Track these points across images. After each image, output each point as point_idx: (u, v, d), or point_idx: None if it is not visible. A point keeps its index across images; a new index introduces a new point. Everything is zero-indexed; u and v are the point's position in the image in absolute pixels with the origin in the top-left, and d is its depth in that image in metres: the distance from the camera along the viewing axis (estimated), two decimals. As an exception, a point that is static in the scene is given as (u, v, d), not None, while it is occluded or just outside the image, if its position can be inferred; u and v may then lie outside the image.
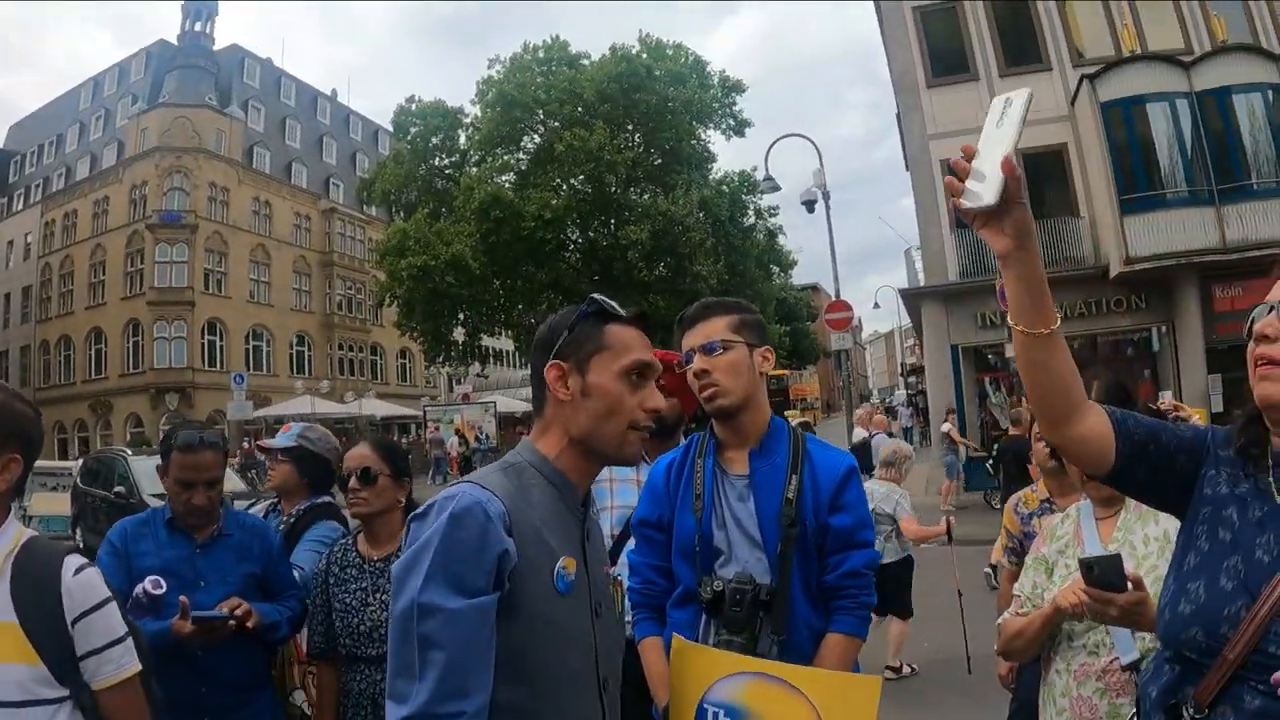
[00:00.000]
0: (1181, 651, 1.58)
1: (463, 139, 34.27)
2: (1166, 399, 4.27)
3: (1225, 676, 1.49)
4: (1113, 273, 18.34)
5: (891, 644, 7.16)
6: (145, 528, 2.99)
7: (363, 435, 3.32)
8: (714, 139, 35.85)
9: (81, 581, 1.90)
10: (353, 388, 44.62)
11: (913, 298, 22.15)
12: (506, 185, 31.68)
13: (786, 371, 48.30)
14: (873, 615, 2.75)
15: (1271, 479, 1.59)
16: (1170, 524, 2.24)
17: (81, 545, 10.93)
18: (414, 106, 33.93)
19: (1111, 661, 2.32)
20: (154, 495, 11.87)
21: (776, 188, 22.06)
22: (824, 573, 2.46)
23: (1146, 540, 2.39)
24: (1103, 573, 1.90)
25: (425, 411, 38.05)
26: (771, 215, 37.11)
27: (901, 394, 48.69)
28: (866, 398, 79.21)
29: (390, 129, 38.46)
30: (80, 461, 17.12)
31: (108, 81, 48.93)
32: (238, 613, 2.73)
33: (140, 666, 1.99)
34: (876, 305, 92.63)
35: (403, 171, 33.64)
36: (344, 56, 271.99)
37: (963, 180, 1.55)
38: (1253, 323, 1.60)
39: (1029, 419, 7.41)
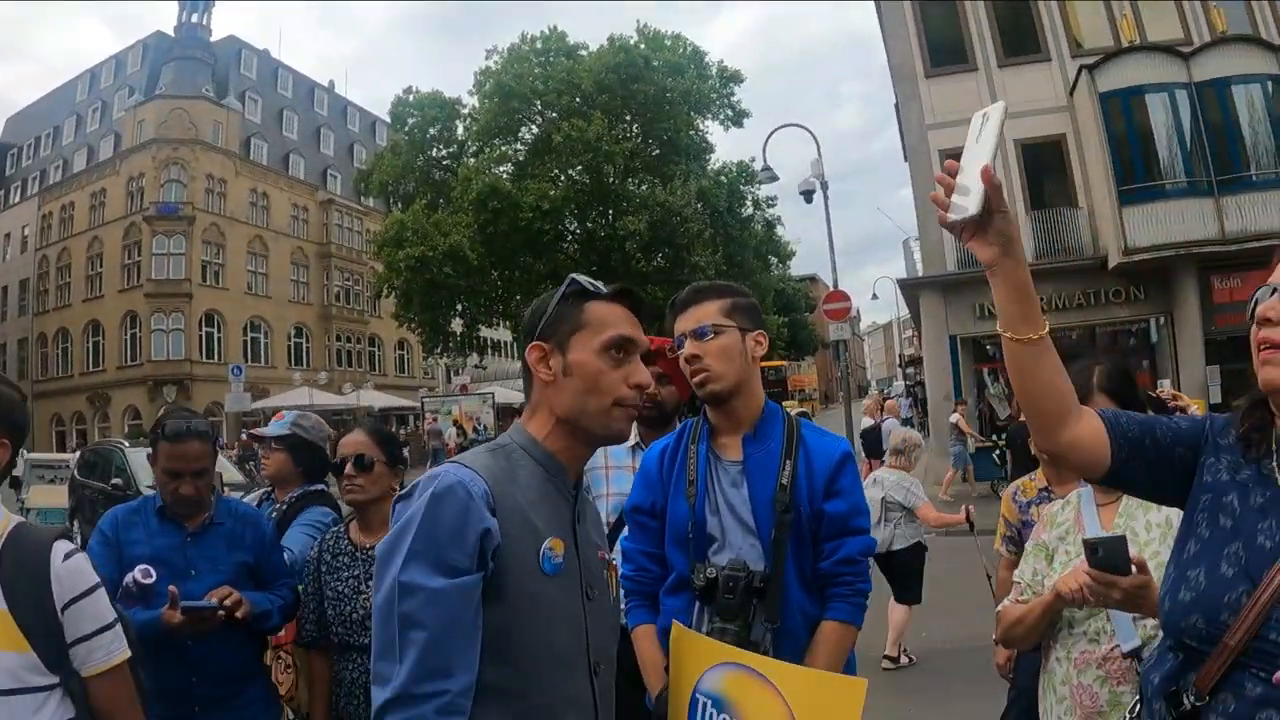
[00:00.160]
0: (1183, 639, 1.57)
1: (460, 130, 34.24)
2: (1165, 388, 4.27)
3: (1226, 663, 1.47)
4: (1111, 263, 18.34)
5: (892, 632, 7.16)
6: (136, 516, 2.97)
7: (359, 423, 3.29)
8: (712, 129, 36.00)
9: (70, 568, 1.88)
10: (351, 379, 44.57)
11: (911, 288, 22.15)
12: (504, 176, 31.69)
13: (785, 362, 48.38)
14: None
15: (1275, 464, 1.57)
16: (1173, 510, 2.22)
17: (78, 536, 10.93)
18: (411, 97, 33.89)
19: (1112, 649, 2.30)
20: (150, 487, 11.79)
21: (774, 178, 22.09)
22: (819, 559, 2.43)
23: (1149, 526, 2.38)
24: (1107, 554, 1.89)
25: (423, 403, 38.02)
26: (770, 206, 37.21)
27: (900, 385, 48.70)
28: (865, 389, 79.29)
29: (388, 120, 38.44)
30: (77, 454, 17.07)
31: (104, 73, 48.88)
32: (227, 602, 2.71)
33: (130, 653, 1.98)
34: (875, 296, 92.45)
35: (400, 162, 33.64)
36: (341, 48, 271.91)
37: (949, 196, 1.56)
38: (1255, 305, 1.58)
39: None
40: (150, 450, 2.99)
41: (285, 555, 3.19)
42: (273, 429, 3.76)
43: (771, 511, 2.38)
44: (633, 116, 32.48)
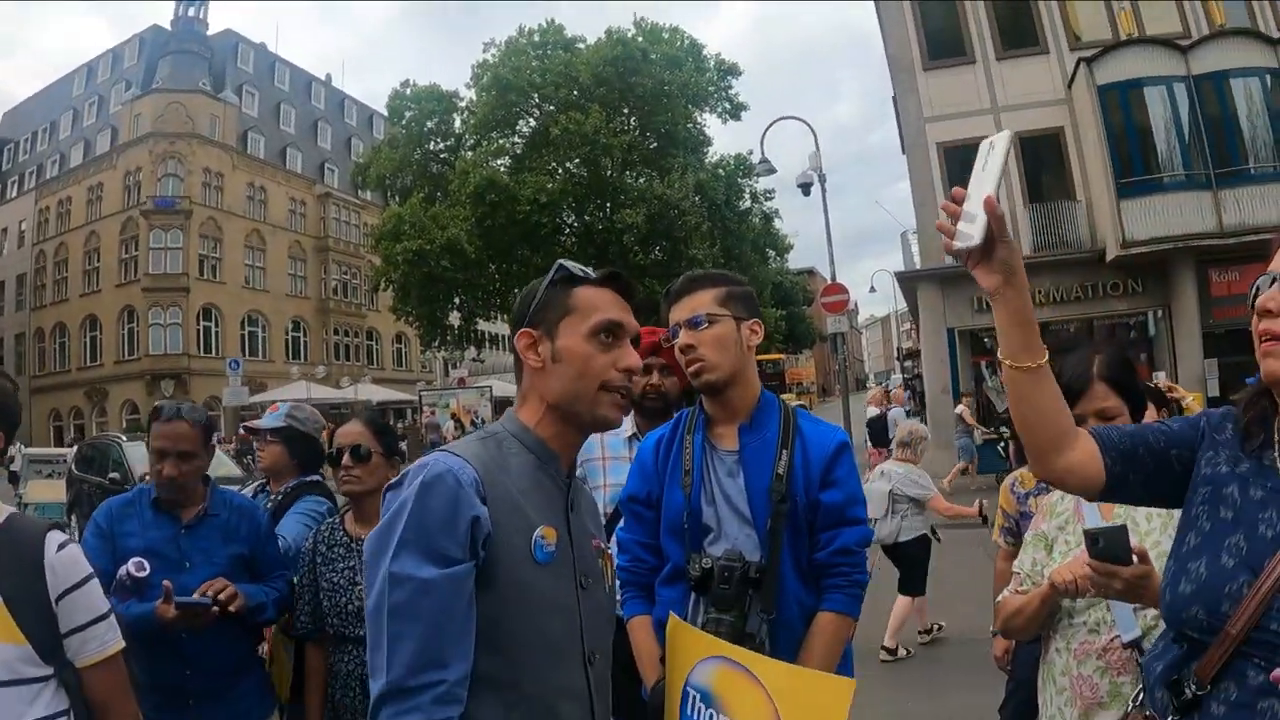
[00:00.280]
0: (1185, 631, 1.58)
1: (458, 123, 34.19)
2: (1161, 380, 4.27)
3: (1228, 652, 1.48)
4: (1109, 256, 18.35)
5: (893, 621, 7.20)
6: (131, 508, 2.96)
7: (355, 414, 3.28)
8: (709, 123, 35.87)
9: (64, 558, 1.87)
10: (348, 373, 44.58)
11: (909, 281, 22.16)
12: (502, 169, 31.66)
13: (783, 356, 48.39)
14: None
15: (1277, 455, 1.57)
16: None
17: (76, 530, 10.93)
18: (409, 91, 33.83)
19: (1112, 639, 2.29)
20: (145, 476, 11.84)
21: (772, 170, 22.08)
22: (815, 550, 2.41)
23: (1149, 516, 2.37)
24: (1108, 544, 1.89)
25: (421, 396, 38.02)
26: (767, 199, 37.16)
27: (897, 378, 48.68)
28: (863, 382, 79.39)
29: (385, 113, 38.40)
30: (75, 448, 17.08)
31: (101, 67, 48.76)
32: (220, 596, 2.69)
33: (124, 644, 1.97)
34: (873, 289, 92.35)
35: (398, 156, 33.58)
36: (338, 41, 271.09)
37: (955, 223, 1.58)
38: (1256, 293, 1.57)
39: None
40: (146, 440, 2.99)
41: (280, 543, 3.18)
42: (267, 421, 3.75)
43: (767, 501, 2.36)
44: (630, 109, 32.43)
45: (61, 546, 1.88)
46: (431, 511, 1.49)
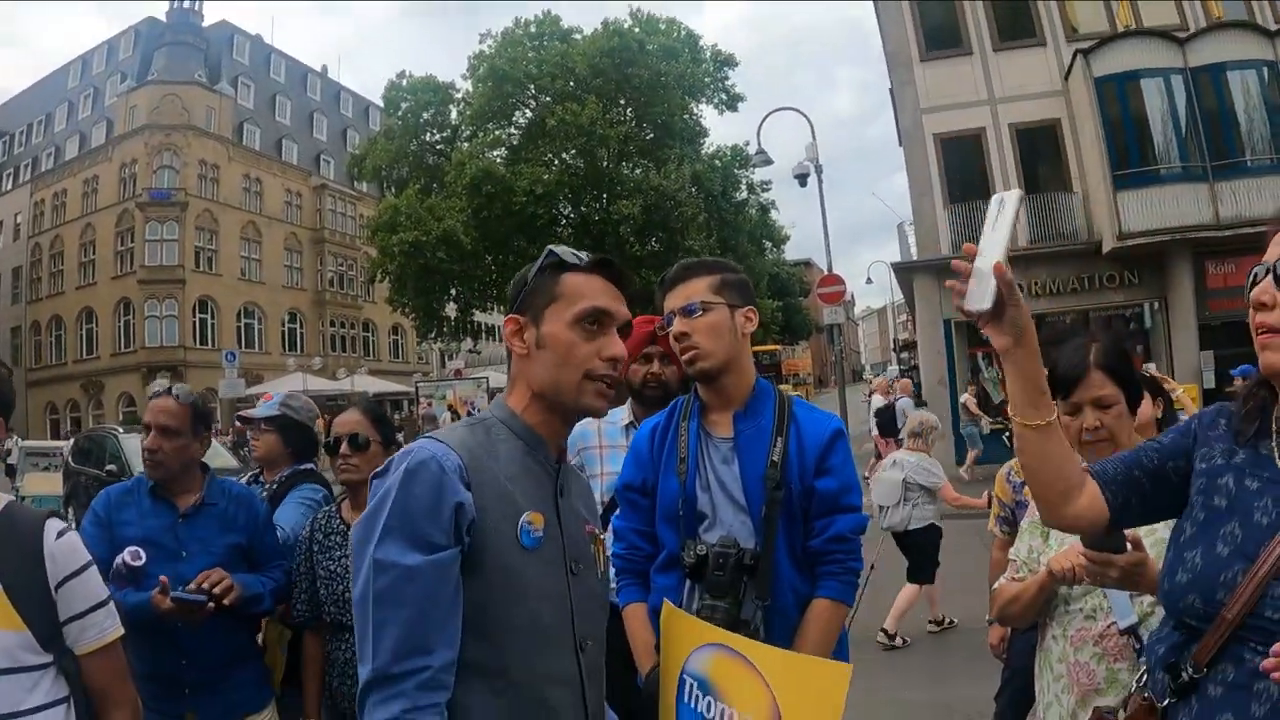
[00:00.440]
0: (1183, 619, 1.60)
1: (454, 114, 34.19)
2: (1151, 371, 4.27)
3: (1224, 636, 1.50)
4: (1106, 248, 18.36)
5: (895, 608, 7.25)
6: (129, 496, 2.96)
7: (353, 404, 3.28)
8: (706, 114, 35.84)
9: (64, 546, 1.87)
10: (345, 364, 44.51)
11: (905, 272, 22.16)
12: (498, 160, 31.63)
13: (779, 347, 48.39)
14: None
15: (1275, 444, 1.59)
16: None
17: (72, 522, 10.92)
18: (405, 82, 33.81)
19: (1109, 626, 2.30)
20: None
21: (769, 161, 22.06)
22: (809, 537, 2.42)
23: None
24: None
25: (418, 387, 37.94)
26: (764, 190, 37.17)
27: (894, 369, 48.72)
28: (859, 373, 79.40)
29: (381, 105, 38.36)
30: (71, 441, 17.05)
31: (96, 60, 48.52)
32: (216, 590, 2.68)
33: (122, 631, 1.97)
34: (869, 280, 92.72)
35: (394, 147, 33.55)
36: (334, 32, 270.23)
37: (965, 280, 1.60)
38: (1254, 282, 1.58)
39: None
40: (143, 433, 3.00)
41: (280, 534, 3.18)
42: (261, 410, 3.76)
43: (762, 488, 2.37)
44: (627, 100, 32.41)
45: (61, 534, 1.88)
46: (416, 498, 1.49)
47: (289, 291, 47.15)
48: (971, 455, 17.69)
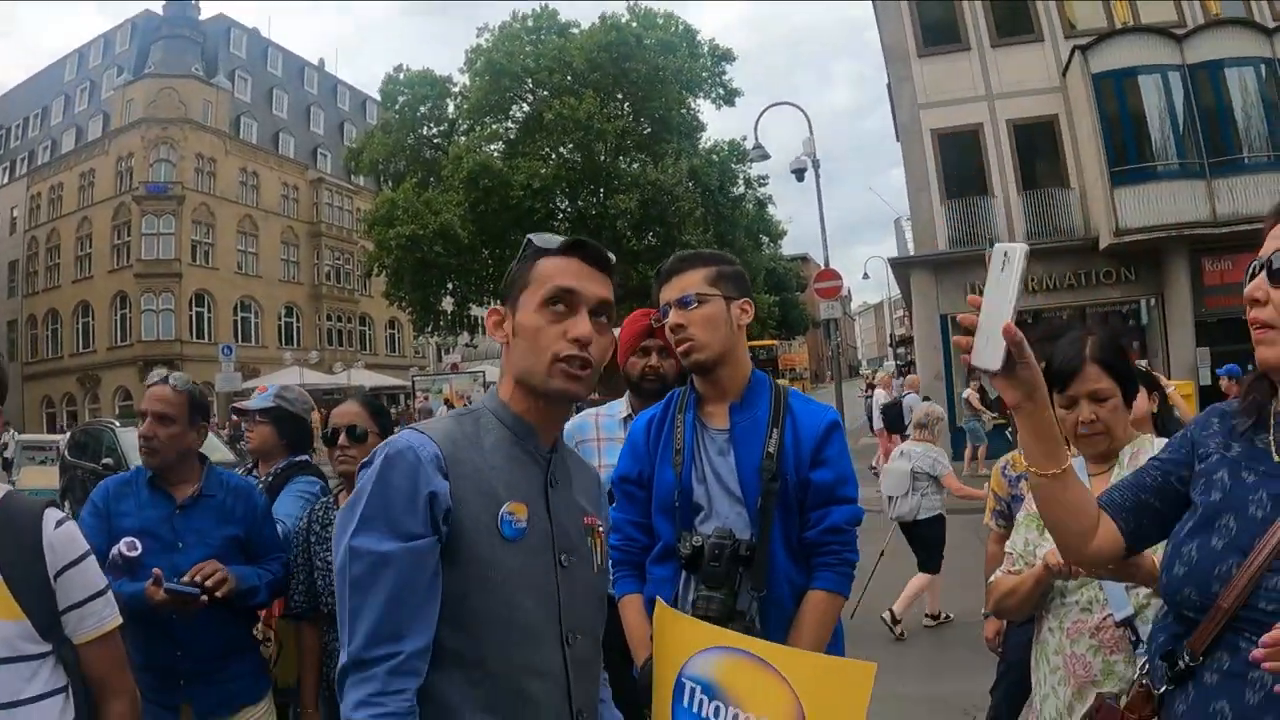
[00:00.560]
0: (1181, 611, 1.63)
1: (451, 108, 34.10)
2: (1142, 367, 4.27)
3: (1219, 625, 1.52)
4: (1102, 244, 18.37)
5: (906, 593, 7.28)
6: (127, 487, 2.96)
7: (351, 396, 3.28)
8: (703, 108, 35.82)
9: (62, 535, 1.88)
10: (341, 358, 44.44)
11: (902, 267, 22.15)
12: (495, 154, 31.57)
13: (776, 341, 48.36)
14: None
15: (1271, 438, 1.61)
16: None
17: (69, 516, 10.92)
18: (402, 76, 33.69)
19: (1105, 618, 2.31)
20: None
21: (766, 156, 22.05)
22: (805, 528, 2.43)
23: None
24: None
25: (414, 381, 38.01)
26: (761, 185, 37.15)
27: (890, 365, 48.71)
28: (856, 368, 79.40)
29: (378, 98, 38.19)
30: (68, 435, 17.04)
31: (92, 53, 48.39)
32: (209, 583, 2.68)
33: (121, 620, 1.98)
34: (866, 276, 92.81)
35: (391, 141, 33.47)
36: (331, 26, 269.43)
37: (972, 335, 1.59)
38: (1252, 275, 1.59)
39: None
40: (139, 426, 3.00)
41: (280, 527, 3.17)
42: (256, 402, 3.76)
43: (758, 480, 2.37)
44: (624, 95, 32.34)
45: (59, 524, 1.89)
46: (392, 487, 1.49)
47: (285, 285, 47.10)
48: (980, 451, 17.66)
